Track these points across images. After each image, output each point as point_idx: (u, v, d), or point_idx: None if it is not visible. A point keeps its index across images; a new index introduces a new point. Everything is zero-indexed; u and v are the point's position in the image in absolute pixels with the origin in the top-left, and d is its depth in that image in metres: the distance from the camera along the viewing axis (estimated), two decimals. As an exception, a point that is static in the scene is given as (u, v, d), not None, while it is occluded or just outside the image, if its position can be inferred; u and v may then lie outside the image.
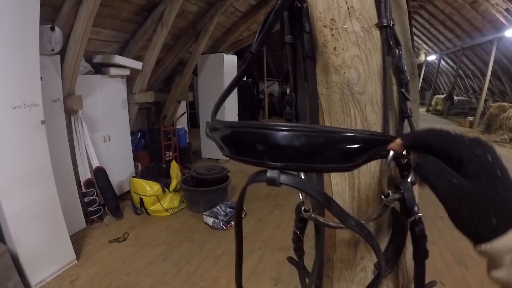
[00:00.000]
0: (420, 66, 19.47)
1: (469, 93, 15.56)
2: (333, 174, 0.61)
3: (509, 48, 9.27)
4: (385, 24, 0.50)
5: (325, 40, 0.55)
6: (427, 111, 17.65)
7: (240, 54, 7.49)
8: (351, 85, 0.55)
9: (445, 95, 15.79)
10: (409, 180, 0.52)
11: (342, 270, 0.66)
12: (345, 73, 0.55)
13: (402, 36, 0.57)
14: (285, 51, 0.54)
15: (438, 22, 11.87)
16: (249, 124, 0.38)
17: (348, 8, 0.54)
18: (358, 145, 0.39)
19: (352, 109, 0.56)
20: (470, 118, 11.94)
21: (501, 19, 8.31)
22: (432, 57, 16.93)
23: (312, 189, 0.39)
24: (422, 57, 18.02)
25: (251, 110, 7.99)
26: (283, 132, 0.36)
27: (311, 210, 0.53)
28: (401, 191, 0.50)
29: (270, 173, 0.38)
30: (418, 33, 15.22)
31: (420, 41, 16.47)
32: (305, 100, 0.57)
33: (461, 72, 14.38)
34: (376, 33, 0.54)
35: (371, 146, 0.40)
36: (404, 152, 0.49)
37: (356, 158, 0.39)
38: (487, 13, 8.71)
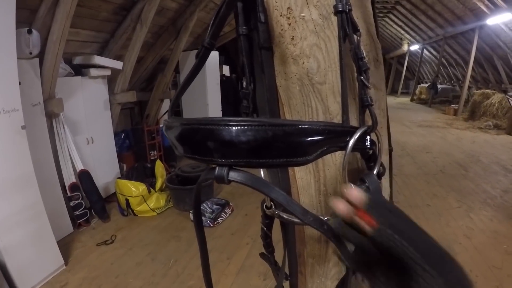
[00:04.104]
0: (403, 56, 19.70)
1: (452, 81, 15.76)
2: (297, 168, 0.59)
3: (491, 36, 9.37)
4: (340, 9, 0.48)
5: (282, 29, 0.53)
6: (412, 100, 17.89)
7: (222, 50, 7.42)
8: (311, 75, 0.53)
9: (429, 84, 15.99)
10: (375, 172, 0.50)
11: (314, 266, 0.65)
12: (303, 63, 0.53)
13: (363, 21, 0.55)
14: (240, 42, 0.52)
15: (420, 11, 11.96)
16: (197, 121, 0.36)
17: (305, -5, 0.52)
18: (310, 138, 0.37)
19: (313, 100, 0.54)
20: (454, 106, 12.12)
21: (482, 7, 8.35)
22: (415, 47, 17.06)
23: (263, 185, 0.38)
24: (405, 47, 18.16)
25: (235, 106, 7.94)
26: (229, 127, 0.34)
27: (273, 207, 0.52)
28: (366, 183, 0.49)
29: (218, 171, 0.37)
30: (400, 23, 15.36)
31: (402, 31, 16.59)
32: (264, 93, 0.55)
33: (444, 61, 14.54)
34: (336, 19, 0.51)
35: (325, 138, 0.38)
36: (367, 143, 0.48)
37: (309, 151, 0.37)
38: (468, 2, 8.78)
